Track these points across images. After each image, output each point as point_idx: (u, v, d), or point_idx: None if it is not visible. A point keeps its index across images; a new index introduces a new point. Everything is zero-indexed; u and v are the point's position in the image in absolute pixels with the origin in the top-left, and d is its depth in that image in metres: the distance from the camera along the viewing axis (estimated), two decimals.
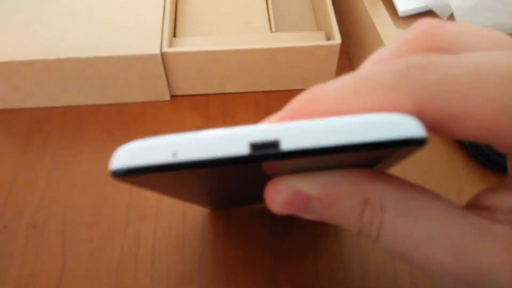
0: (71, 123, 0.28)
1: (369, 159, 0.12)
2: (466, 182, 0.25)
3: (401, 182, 0.13)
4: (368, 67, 0.15)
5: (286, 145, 0.11)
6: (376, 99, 0.11)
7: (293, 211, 0.14)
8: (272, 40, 0.29)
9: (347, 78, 0.12)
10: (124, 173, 0.11)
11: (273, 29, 0.30)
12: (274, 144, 0.11)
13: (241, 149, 0.11)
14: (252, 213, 0.24)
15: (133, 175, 0.11)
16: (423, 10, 0.28)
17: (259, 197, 0.16)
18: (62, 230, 0.24)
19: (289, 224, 0.24)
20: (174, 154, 0.11)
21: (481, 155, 0.25)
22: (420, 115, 0.11)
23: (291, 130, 0.11)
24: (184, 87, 0.29)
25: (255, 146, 0.11)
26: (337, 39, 0.28)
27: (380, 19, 0.28)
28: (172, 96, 0.30)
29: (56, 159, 0.27)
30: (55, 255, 0.23)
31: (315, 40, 0.29)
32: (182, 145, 0.11)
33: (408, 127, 0.10)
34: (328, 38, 0.29)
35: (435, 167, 0.26)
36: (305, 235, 0.23)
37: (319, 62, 0.28)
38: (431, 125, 0.12)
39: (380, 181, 0.13)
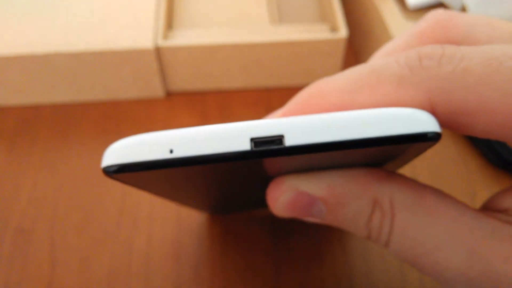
0: (60, 122, 0.28)
1: (379, 157, 0.12)
2: (479, 183, 0.25)
3: (412, 183, 0.12)
4: (378, 59, 0.14)
5: (291, 140, 0.10)
6: (386, 93, 0.11)
7: (296, 213, 0.13)
8: (273, 32, 0.28)
9: (355, 71, 0.12)
10: (117, 170, 0.10)
11: (274, 20, 0.29)
12: (278, 140, 0.10)
13: (242, 144, 0.10)
14: (252, 218, 0.24)
15: (127, 172, 0.10)
16: (434, 2, 0.27)
17: (261, 201, 0.16)
18: (51, 235, 0.23)
19: (291, 230, 0.23)
20: (171, 150, 0.10)
21: (494, 155, 0.25)
22: (432, 109, 0.11)
23: (296, 125, 0.10)
24: (180, 83, 0.28)
25: (257, 142, 0.10)
26: (343, 32, 0.26)
27: (389, 11, 0.27)
28: (167, 93, 0.29)
29: (44, 160, 0.26)
30: (43, 262, 0.22)
31: (319, 32, 0.28)
32: (180, 140, 0.10)
33: (421, 121, 0.10)
34: (333, 30, 0.28)
35: (446, 167, 0.25)
36: (308, 242, 0.23)
37: (323, 56, 0.27)
38: (443, 120, 0.11)
39: (390, 182, 0.12)
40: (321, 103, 0.12)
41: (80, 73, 0.27)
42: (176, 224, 0.23)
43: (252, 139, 0.10)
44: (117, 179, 0.11)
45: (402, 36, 0.14)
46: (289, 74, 0.28)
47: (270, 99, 0.29)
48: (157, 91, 0.28)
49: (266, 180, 0.13)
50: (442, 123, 0.11)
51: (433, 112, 0.11)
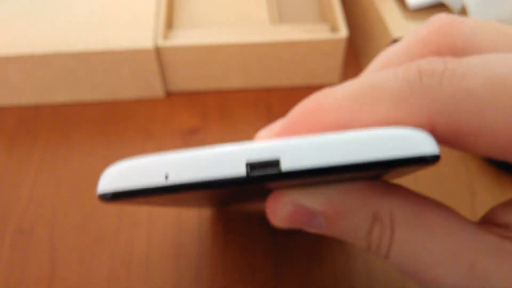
0: (60, 122, 0.28)
1: (376, 173, 0.12)
2: (479, 183, 0.25)
3: (411, 195, 0.12)
4: (377, 67, 0.14)
5: (287, 164, 0.10)
6: (385, 111, 0.11)
7: (296, 225, 0.13)
8: (273, 32, 0.28)
9: (355, 86, 0.12)
10: (112, 197, 0.10)
11: (274, 20, 0.29)
12: (274, 164, 0.10)
13: (238, 169, 0.10)
14: (252, 218, 0.23)
15: (122, 198, 0.10)
16: (434, 2, 0.27)
17: (262, 197, 0.16)
18: (50, 235, 0.23)
19: (291, 232, 0.23)
20: (166, 176, 0.10)
21: None
22: (431, 129, 0.11)
23: (291, 148, 0.10)
24: (180, 83, 0.28)
25: (253, 166, 0.10)
26: (343, 32, 0.26)
27: (389, 11, 0.27)
28: (167, 93, 0.29)
29: (44, 161, 0.26)
30: (43, 262, 0.22)
31: (319, 32, 0.28)
32: (175, 165, 0.10)
33: (420, 143, 0.10)
34: (333, 30, 0.28)
35: (446, 169, 0.25)
36: (308, 242, 0.23)
37: (323, 56, 0.27)
38: (443, 139, 0.11)
39: (390, 195, 0.12)
40: (319, 119, 0.12)
41: (80, 73, 0.27)
42: (176, 224, 0.23)
43: (248, 164, 0.10)
44: (113, 204, 0.11)
45: (403, 42, 0.14)
46: (289, 74, 0.28)
47: (270, 99, 0.29)
48: (157, 91, 0.28)
49: (265, 190, 0.13)
50: (442, 142, 0.11)
51: (433, 131, 0.11)
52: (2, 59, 0.25)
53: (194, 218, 0.23)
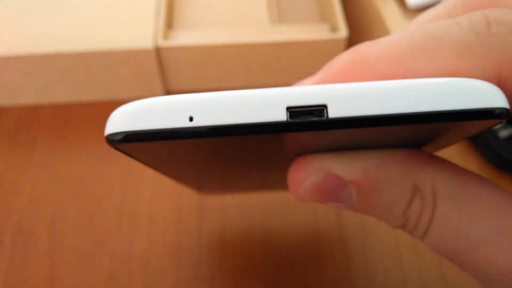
0: (60, 122, 0.27)
1: (422, 136, 0.10)
2: None
3: (456, 168, 0.11)
4: (422, 24, 0.12)
5: (335, 111, 0.09)
6: (445, 61, 0.10)
7: (322, 198, 0.11)
8: (273, 32, 0.28)
9: (405, 35, 0.10)
10: (123, 139, 0.09)
11: (274, 20, 0.29)
12: (319, 110, 0.09)
13: (277, 114, 0.08)
14: (252, 218, 0.23)
15: (134, 142, 0.09)
16: (434, 2, 0.27)
17: (276, 181, 0.14)
18: (50, 235, 0.23)
19: (291, 230, 0.23)
20: (190, 118, 0.09)
21: (494, 155, 0.25)
22: (499, 85, 0.09)
23: (341, 93, 0.09)
24: (180, 84, 0.28)
25: (294, 112, 0.09)
26: (343, 31, 0.26)
27: (389, 11, 0.27)
28: (167, 93, 0.29)
29: (43, 161, 0.26)
30: (43, 262, 0.22)
31: (319, 32, 0.28)
32: (201, 106, 0.09)
33: (488, 95, 0.09)
34: (333, 30, 0.28)
35: None
36: (308, 242, 0.23)
37: (323, 56, 0.27)
38: (509, 98, 0.09)
39: (433, 166, 0.11)
40: (364, 72, 0.10)
41: (80, 73, 0.27)
42: (176, 224, 0.23)
43: (288, 108, 0.09)
44: (120, 150, 0.10)
45: (444, 4, 0.12)
46: (289, 74, 0.28)
47: None
48: (157, 91, 0.28)
49: (286, 157, 0.11)
50: (510, 103, 0.10)
51: (501, 88, 0.09)
52: (2, 59, 0.25)
53: (194, 218, 0.23)
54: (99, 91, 0.28)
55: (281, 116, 0.09)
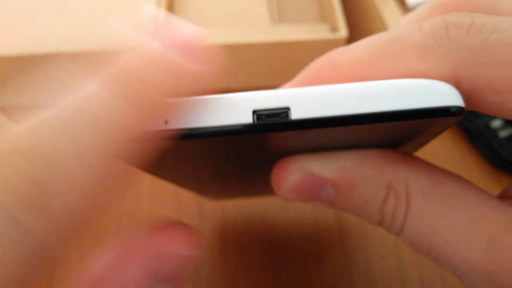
0: None
1: (394, 137, 0.11)
2: (479, 183, 0.24)
3: (429, 167, 0.11)
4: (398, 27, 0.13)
5: (297, 113, 0.09)
6: (407, 64, 0.10)
7: (304, 197, 0.12)
8: (273, 32, 0.28)
9: (373, 40, 0.11)
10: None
11: (274, 20, 0.29)
12: (283, 112, 0.09)
13: (244, 117, 0.09)
14: (252, 217, 0.23)
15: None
16: None
17: (265, 187, 0.15)
18: None
19: (291, 229, 0.23)
20: (165, 121, 0.09)
21: (494, 155, 0.25)
22: (456, 85, 0.10)
23: (303, 96, 0.09)
24: None
25: (260, 115, 0.09)
26: (343, 31, 0.26)
27: (389, 11, 0.27)
28: None
29: None
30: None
31: (319, 32, 0.27)
32: (176, 111, 0.09)
33: (443, 94, 0.09)
34: (333, 30, 0.28)
35: (446, 167, 0.25)
36: (308, 242, 0.22)
37: None
38: (467, 98, 0.10)
39: (406, 165, 0.11)
40: (334, 76, 0.11)
41: None
42: None
43: (254, 111, 0.09)
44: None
45: (422, 8, 0.13)
46: (289, 74, 0.28)
47: None
48: None
49: (271, 161, 0.12)
50: (466, 102, 0.10)
51: (458, 87, 0.10)
52: (2, 59, 0.25)
53: (194, 218, 0.23)
54: None
55: (248, 118, 0.09)
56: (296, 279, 0.21)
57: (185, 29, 0.10)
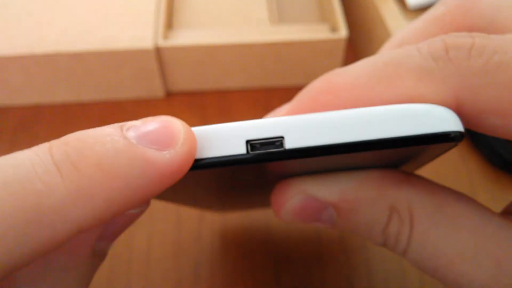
0: (60, 123, 0.27)
1: (395, 158, 0.11)
2: (479, 183, 0.25)
3: (432, 186, 0.11)
4: (393, 46, 0.13)
5: (291, 142, 0.09)
6: (406, 87, 0.10)
7: (304, 219, 0.12)
8: (273, 32, 0.28)
9: (370, 62, 0.11)
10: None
11: (274, 20, 0.29)
12: (277, 142, 0.09)
13: (237, 148, 0.09)
14: (251, 218, 0.23)
15: None
16: (434, 2, 0.27)
17: (266, 201, 0.15)
18: None
19: (291, 229, 0.23)
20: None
21: (494, 155, 0.25)
22: (457, 108, 0.10)
23: (297, 125, 0.09)
24: (180, 83, 0.28)
25: (254, 144, 0.09)
26: (343, 32, 0.26)
27: (389, 11, 0.27)
28: (167, 93, 0.29)
29: None
30: None
31: (319, 32, 0.28)
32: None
33: (442, 120, 0.09)
34: (333, 30, 0.28)
35: (446, 168, 0.25)
36: (308, 242, 0.22)
37: (323, 56, 0.27)
38: (468, 120, 0.10)
39: (409, 186, 0.11)
40: (331, 100, 0.11)
41: (80, 73, 0.27)
42: (176, 224, 0.23)
43: (248, 141, 0.09)
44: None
45: (417, 22, 0.13)
46: (289, 74, 0.28)
47: (270, 99, 0.29)
48: (157, 91, 0.28)
49: (271, 183, 0.12)
50: (467, 124, 0.10)
51: (459, 111, 0.10)
52: (2, 59, 0.25)
53: (194, 218, 0.23)
54: (99, 91, 0.28)
55: (241, 149, 0.09)
56: (296, 280, 0.21)
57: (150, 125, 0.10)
